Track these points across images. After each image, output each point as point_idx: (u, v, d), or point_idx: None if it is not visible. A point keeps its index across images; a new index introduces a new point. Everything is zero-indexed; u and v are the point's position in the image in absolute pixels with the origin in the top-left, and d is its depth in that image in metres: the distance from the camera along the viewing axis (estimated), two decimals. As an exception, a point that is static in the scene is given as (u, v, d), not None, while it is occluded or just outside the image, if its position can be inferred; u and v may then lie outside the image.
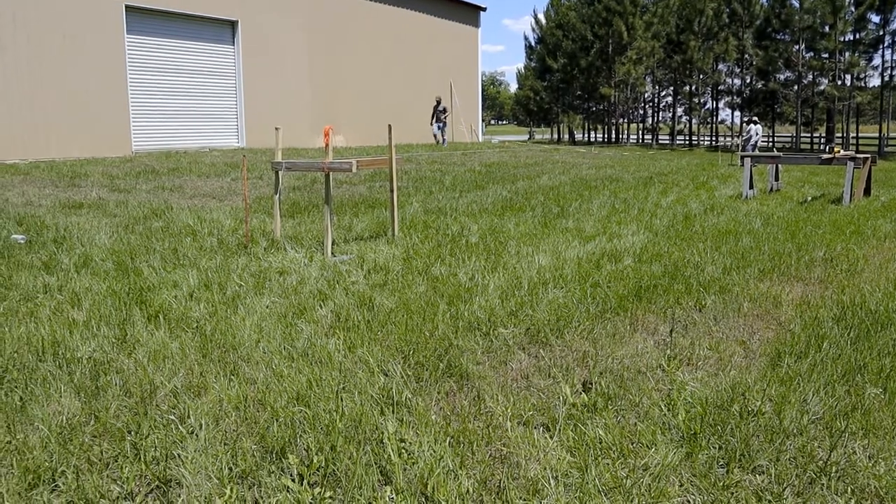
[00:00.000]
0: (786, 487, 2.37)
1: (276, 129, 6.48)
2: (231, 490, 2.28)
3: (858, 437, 2.73)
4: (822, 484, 2.40)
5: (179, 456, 2.48)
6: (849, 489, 2.37)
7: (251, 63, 21.01)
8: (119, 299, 4.43)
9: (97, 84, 17.12)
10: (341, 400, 2.92)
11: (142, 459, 2.46)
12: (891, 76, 34.68)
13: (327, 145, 6.12)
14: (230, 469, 2.41)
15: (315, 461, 2.43)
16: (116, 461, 2.47)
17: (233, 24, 20.63)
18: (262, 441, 2.60)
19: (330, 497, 2.28)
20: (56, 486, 2.33)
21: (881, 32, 34.24)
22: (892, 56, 34.47)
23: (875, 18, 34.31)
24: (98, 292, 4.61)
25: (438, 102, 25.47)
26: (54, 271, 5.22)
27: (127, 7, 17.69)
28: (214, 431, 2.68)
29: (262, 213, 8.28)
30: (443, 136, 25.54)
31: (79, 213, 8.01)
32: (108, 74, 17.39)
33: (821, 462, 2.52)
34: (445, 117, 25.62)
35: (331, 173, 6.14)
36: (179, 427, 2.70)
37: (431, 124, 25.69)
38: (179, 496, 2.28)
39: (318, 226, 7.37)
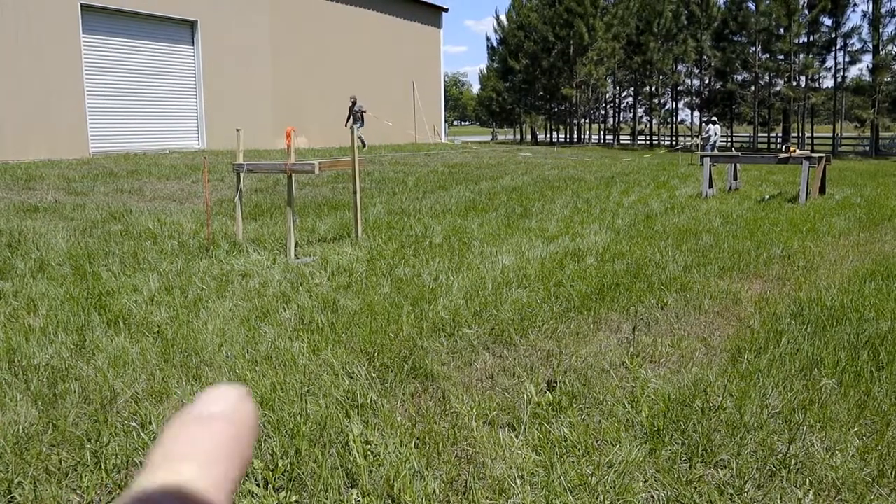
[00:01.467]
0: (747, 481, 2.42)
1: (238, 130, 6.40)
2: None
3: (816, 430, 2.78)
4: (782, 476, 2.44)
5: (141, 463, 2.44)
6: (807, 481, 2.42)
7: (211, 63, 20.74)
8: (77, 304, 4.34)
9: (53, 85, 16.74)
10: (306, 403, 2.90)
11: (102, 468, 2.42)
12: (843, 78, 35.50)
13: (289, 147, 6.07)
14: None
15: (280, 465, 2.41)
16: (76, 470, 2.42)
17: (192, 24, 20.34)
18: (226, 446, 2.57)
19: (296, 501, 2.26)
20: (12, 497, 2.27)
21: (833, 35, 35.03)
22: (844, 58, 35.22)
23: (827, 21, 35.11)
24: (55, 297, 4.51)
25: (354, 102, 22.74)
26: (9, 276, 5.09)
27: (82, 6, 17.33)
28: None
29: (224, 215, 8.18)
30: (361, 137, 23.10)
31: (34, 217, 7.82)
32: (64, 75, 17.02)
33: (780, 455, 2.57)
34: (363, 115, 22.59)
35: (293, 175, 6.10)
36: (141, 434, 2.65)
37: (346, 125, 22.20)
38: (141, 504, 2.24)
39: (280, 228, 7.30)
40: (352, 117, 22.09)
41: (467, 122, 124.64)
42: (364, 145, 22.00)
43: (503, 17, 46.41)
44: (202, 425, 0.19)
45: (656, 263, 5.79)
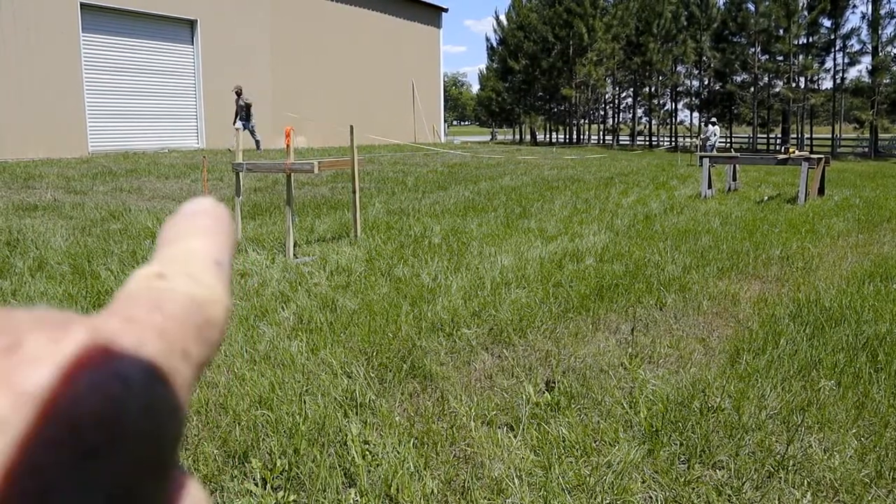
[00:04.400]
0: (745, 481, 2.42)
1: (236, 129, 6.40)
2: (192, 495, 2.24)
3: (814, 431, 2.79)
4: (780, 477, 2.44)
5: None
6: (805, 482, 2.42)
7: (211, 63, 20.73)
8: (76, 303, 4.34)
9: (52, 84, 16.74)
10: (304, 402, 2.90)
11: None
12: (842, 79, 35.54)
13: (288, 146, 6.06)
14: (192, 474, 2.38)
15: (278, 465, 2.41)
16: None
17: (191, 24, 20.35)
18: (225, 445, 2.57)
19: (294, 500, 2.26)
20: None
21: (832, 37, 35.07)
22: (843, 59, 35.23)
23: (827, 23, 35.15)
24: (54, 296, 4.51)
25: (239, 94, 18.44)
26: (7, 275, 5.09)
27: (82, 5, 17.33)
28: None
29: (223, 214, 8.17)
30: (253, 136, 18.87)
31: (33, 216, 7.82)
32: (64, 74, 17.02)
33: (778, 456, 2.57)
34: (249, 109, 18.63)
35: (292, 174, 6.10)
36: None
37: (234, 123, 18.47)
38: (139, 503, 2.24)
39: (279, 227, 7.30)
40: (238, 114, 18.62)
41: (467, 123, 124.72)
42: (259, 148, 18.93)
43: (503, 18, 46.41)
44: (193, 217, 0.23)
45: (655, 264, 5.80)
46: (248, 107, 18.44)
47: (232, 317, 4.14)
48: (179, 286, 0.21)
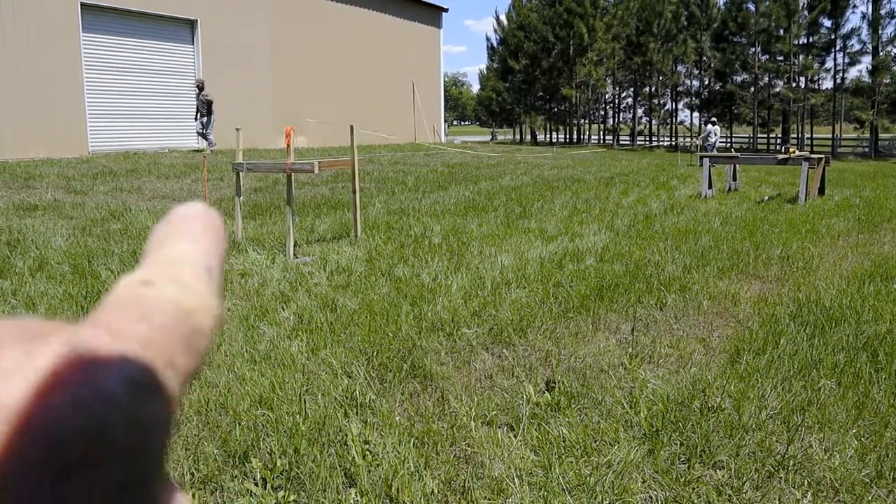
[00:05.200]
0: (745, 481, 2.42)
1: (237, 129, 6.40)
2: (193, 495, 2.25)
3: (814, 431, 2.79)
4: (781, 477, 2.44)
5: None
6: (806, 482, 2.42)
7: (211, 63, 20.73)
8: (76, 303, 4.34)
9: (52, 83, 16.74)
10: (304, 402, 2.90)
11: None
12: (843, 79, 35.54)
13: (289, 146, 6.06)
14: (192, 474, 2.38)
15: (279, 464, 2.41)
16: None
17: (192, 24, 20.35)
18: (225, 445, 2.57)
19: (294, 500, 2.26)
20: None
21: (833, 37, 35.08)
22: (843, 59, 35.23)
23: (827, 23, 35.15)
24: (54, 296, 4.51)
25: (200, 89, 17.89)
26: (7, 275, 5.09)
27: (82, 5, 17.33)
28: (176, 436, 2.63)
29: (223, 214, 8.15)
30: (206, 135, 18.08)
31: (33, 216, 7.82)
32: (64, 74, 17.02)
33: (779, 456, 2.57)
34: (210, 106, 17.86)
35: (292, 174, 6.10)
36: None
37: (196, 119, 18.22)
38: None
39: (280, 227, 7.30)
40: (199, 110, 17.91)
41: (467, 122, 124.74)
42: (210, 146, 17.94)
43: (503, 18, 46.41)
44: (182, 222, 0.23)
45: (655, 264, 5.80)
46: (209, 103, 17.86)
47: (232, 317, 4.14)
48: (166, 293, 0.20)
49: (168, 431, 0.18)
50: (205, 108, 17.73)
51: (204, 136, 18.03)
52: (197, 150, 17.74)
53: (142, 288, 0.20)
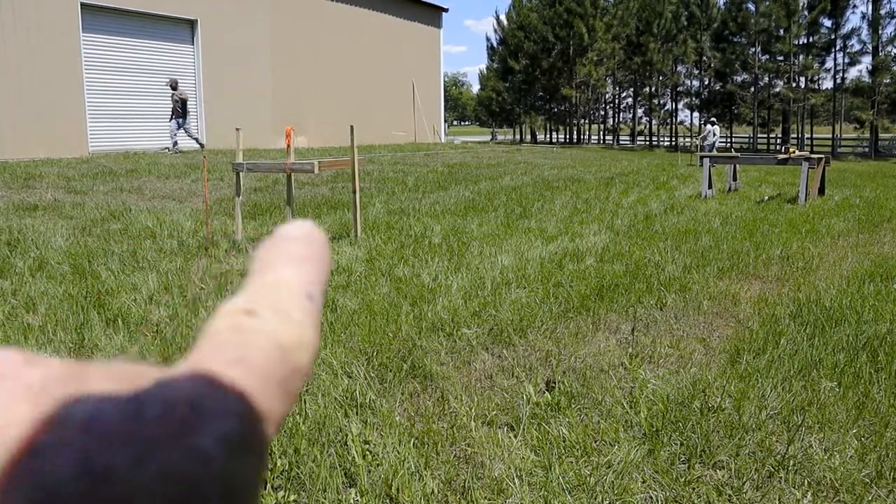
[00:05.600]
0: (745, 481, 2.42)
1: (237, 129, 6.40)
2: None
3: (815, 431, 2.79)
4: (781, 477, 2.44)
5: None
6: (806, 482, 2.42)
7: (211, 63, 20.73)
8: (76, 303, 4.34)
9: (52, 83, 16.73)
10: (305, 402, 2.90)
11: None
12: (843, 79, 35.56)
13: (289, 146, 6.07)
14: None
15: (279, 464, 2.41)
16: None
17: (192, 24, 20.34)
18: (225, 445, 2.57)
19: (294, 500, 2.26)
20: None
21: (833, 36, 35.09)
22: (843, 59, 35.24)
23: (827, 23, 35.16)
24: (54, 296, 4.51)
25: (174, 88, 17.26)
26: (8, 275, 5.09)
27: (82, 5, 17.32)
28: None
29: (224, 214, 8.18)
30: (174, 138, 17.49)
31: (33, 216, 7.82)
32: (64, 74, 17.01)
33: (779, 456, 2.57)
34: (185, 105, 17.40)
35: (292, 174, 6.09)
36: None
37: (171, 120, 17.64)
38: None
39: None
40: (174, 111, 17.40)
41: (467, 123, 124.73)
42: (173, 148, 17.34)
43: (503, 18, 46.41)
44: (287, 243, 0.23)
45: (655, 264, 5.79)
46: (183, 102, 17.38)
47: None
48: (267, 326, 0.19)
49: (259, 484, 0.18)
50: (180, 108, 17.33)
51: (173, 136, 17.46)
52: (166, 150, 17.56)
53: (243, 317, 0.20)
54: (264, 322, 0.20)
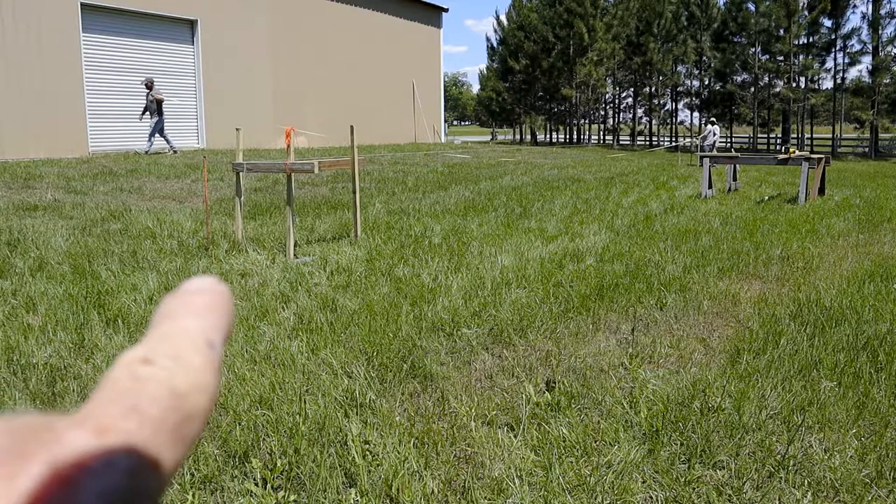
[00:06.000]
0: (745, 481, 2.42)
1: (237, 129, 6.40)
2: (193, 496, 2.25)
3: (815, 431, 2.79)
4: (781, 477, 2.44)
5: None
6: (806, 482, 2.42)
7: (211, 63, 20.73)
8: (76, 303, 4.34)
9: (52, 84, 16.73)
10: (305, 402, 2.90)
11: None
12: (843, 79, 35.53)
13: (289, 146, 6.07)
14: (192, 475, 2.38)
15: (279, 464, 2.41)
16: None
17: (192, 24, 20.34)
18: (225, 445, 2.57)
19: (294, 500, 2.26)
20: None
21: (833, 37, 35.05)
22: (843, 59, 35.22)
23: (827, 23, 35.14)
24: (54, 296, 4.51)
25: (150, 87, 16.77)
26: (8, 275, 5.09)
27: (82, 5, 17.32)
28: None
29: (224, 214, 8.18)
30: (151, 140, 17.03)
31: (33, 216, 7.82)
32: (64, 74, 17.00)
33: (779, 456, 2.57)
34: (160, 105, 16.89)
35: (293, 174, 6.10)
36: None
37: (141, 119, 17.34)
38: None
39: (280, 227, 7.30)
40: (147, 110, 16.88)
41: (467, 122, 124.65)
42: (148, 148, 16.98)
43: (503, 18, 46.38)
44: (190, 296, 0.24)
45: (655, 264, 5.79)
46: (159, 103, 16.79)
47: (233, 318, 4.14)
48: (162, 374, 0.20)
49: None
50: (154, 108, 16.78)
51: (149, 137, 17.03)
52: (136, 152, 17.43)
53: (140, 366, 0.20)
54: (160, 370, 0.20)
